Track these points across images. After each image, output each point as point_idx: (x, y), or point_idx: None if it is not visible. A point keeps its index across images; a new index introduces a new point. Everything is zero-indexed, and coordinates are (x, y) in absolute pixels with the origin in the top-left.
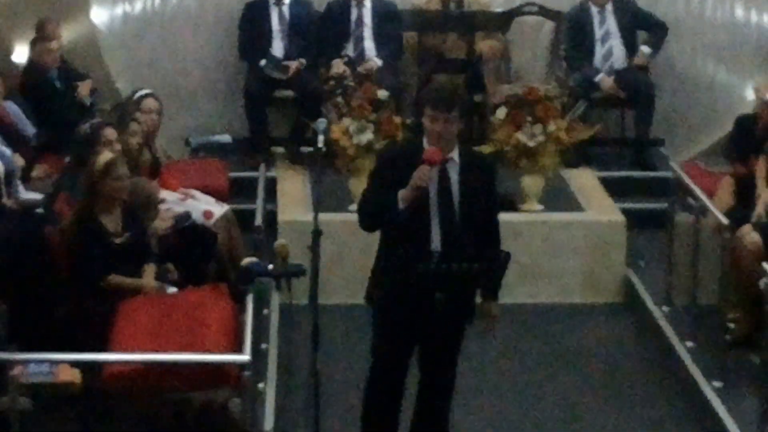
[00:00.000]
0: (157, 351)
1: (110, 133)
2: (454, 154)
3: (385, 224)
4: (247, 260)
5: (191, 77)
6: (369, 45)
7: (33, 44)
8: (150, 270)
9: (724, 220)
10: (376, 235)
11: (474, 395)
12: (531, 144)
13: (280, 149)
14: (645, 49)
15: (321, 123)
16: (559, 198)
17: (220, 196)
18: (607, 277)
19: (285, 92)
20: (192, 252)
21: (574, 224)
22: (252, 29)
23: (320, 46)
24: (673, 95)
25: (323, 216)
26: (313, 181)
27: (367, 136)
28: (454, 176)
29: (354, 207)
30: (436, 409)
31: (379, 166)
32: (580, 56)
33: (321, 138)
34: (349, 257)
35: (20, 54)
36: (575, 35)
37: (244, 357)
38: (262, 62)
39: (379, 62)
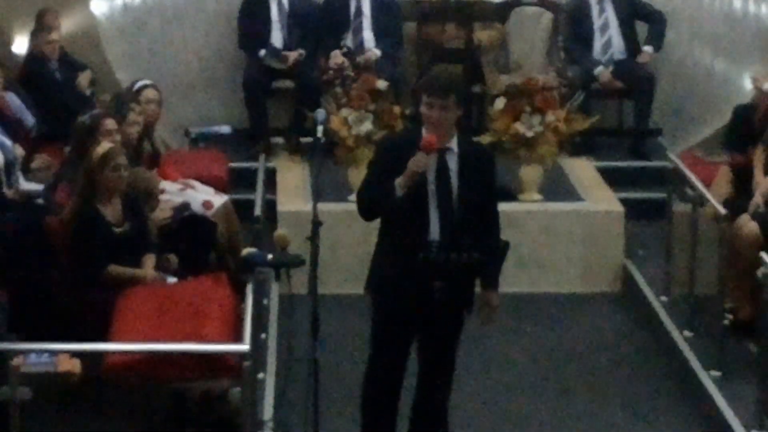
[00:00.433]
0: (157, 341)
1: (110, 123)
2: (453, 144)
3: (384, 212)
4: (246, 250)
5: (191, 68)
6: (368, 35)
7: (33, 35)
8: (150, 260)
9: (722, 210)
10: (376, 226)
11: (473, 384)
12: (529, 134)
13: (279, 139)
14: (648, 49)
15: (320, 113)
16: (557, 188)
17: (219, 187)
18: (606, 267)
19: (284, 83)
20: (192, 242)
21: (573, 214)
22: (251, 19)
23: (319, 37)
24: (671, 85)
25: (322, 206)
26: (313, 172)
27: (367, 126)
28: (452, 166)
29: (353, 197)
30: (436, 398)
31: (378, 154)
32: (579, 47)
33: (320, 128)
34: (348, 247)
35: (20, 45)
36: (574, 25)
37: (244, 347)
38: (262, 52)
39: (378, 53)
